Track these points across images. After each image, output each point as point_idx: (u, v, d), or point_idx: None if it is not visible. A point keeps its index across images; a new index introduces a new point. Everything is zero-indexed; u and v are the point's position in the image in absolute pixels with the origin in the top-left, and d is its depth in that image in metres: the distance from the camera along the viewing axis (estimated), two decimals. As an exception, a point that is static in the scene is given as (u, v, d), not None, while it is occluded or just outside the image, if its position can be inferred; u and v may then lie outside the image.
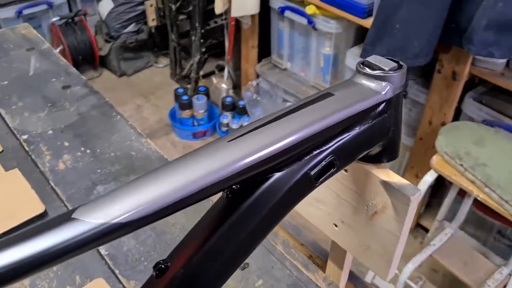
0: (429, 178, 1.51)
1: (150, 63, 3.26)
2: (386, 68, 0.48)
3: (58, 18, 2.96)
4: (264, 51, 2.45)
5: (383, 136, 0.51)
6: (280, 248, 0.78)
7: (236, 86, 2.71)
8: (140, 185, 0.37)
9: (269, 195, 0.45)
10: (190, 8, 2.63)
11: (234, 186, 0.44)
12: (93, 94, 1.13)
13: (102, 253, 0.77)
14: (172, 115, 2.66)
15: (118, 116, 1.06)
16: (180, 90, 2.60)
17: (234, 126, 2.54)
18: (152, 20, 2.99)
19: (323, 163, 0.46)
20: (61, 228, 0.34)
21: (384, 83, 0.47)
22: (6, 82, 1.17)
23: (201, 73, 2.82)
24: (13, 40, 1.35)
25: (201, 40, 2.66)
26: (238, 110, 2.55)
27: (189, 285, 0.42)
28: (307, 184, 0.46)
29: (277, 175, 0.44)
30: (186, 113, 2.55)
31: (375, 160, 0.55)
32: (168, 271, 0.43)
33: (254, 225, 0.44)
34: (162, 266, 0.43)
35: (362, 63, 0.49)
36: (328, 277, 0.74)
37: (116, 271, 0.74)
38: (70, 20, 2.96)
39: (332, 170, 0.47)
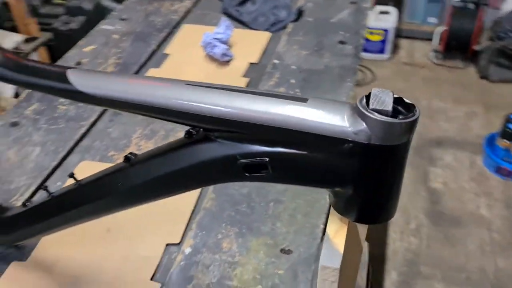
0: None
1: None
2: (378, 107, 0.39)
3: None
4: None
5: (339, 182, 0.43)
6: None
7: None
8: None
9: (196, 154, 0.48)
10: None
11: (192, 130, 0.49)
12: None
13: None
14: (490, 138, 2.36)
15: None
16: (517, 118, 2.24)
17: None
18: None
19: (257, 159, 0.44)
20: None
21: (359, 121, 0.39)
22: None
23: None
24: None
25: None
26: None
27: (136, 175, 0.53)
28: (233, 168, 0.46)
29: (210, 142, 0.46)
30: (503, 143, 2.22)
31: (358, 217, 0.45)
32: (130, 161, 0.54)
33: (174, 170, 0.49)
34: (130, 156, 0.54)
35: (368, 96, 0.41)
36: None
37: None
38: (470, 5, 2.88)
39: (263, 172, 0.45)
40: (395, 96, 0.41)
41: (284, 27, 1.38)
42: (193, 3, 1.53)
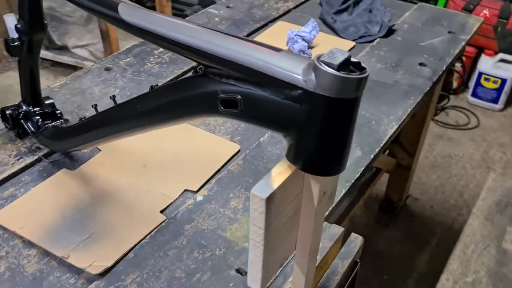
0: None
1: None
2: (328, 60, 0.43)
3: None
4: None
5: (286, 127, 0.48)
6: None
7: None
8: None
9: (192, 85, 0.57)
10: None
11: (197, 69, 0.58)
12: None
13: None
14: None
15: None
16: None
17: None
18: None
19: (231, 95, 0.51)
20: None
21: (307, 68, 0.44)
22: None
23: None
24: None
25: None
26: None
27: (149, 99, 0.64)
28: (214, 101, 0.53)
29: (204, 77, 0.55)
30: None
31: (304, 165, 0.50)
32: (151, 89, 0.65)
33: (175, 99, 0.58)
34: (153, 85, 0.65)
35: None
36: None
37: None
38: None
39: (235, 109, 0.51)
40: (354, 60, 0.45)
41: (371, 41, 1.40)
42: (296, 5, 1.63)
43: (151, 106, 0.65)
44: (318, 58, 0.44)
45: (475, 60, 2.70)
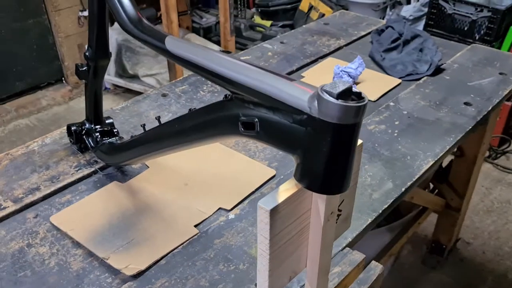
0: None
1: None
2: (330, 89, 0.49)
3: None
4: None
5: (292, 148, 0.53)
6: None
7: None
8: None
9: (220, 108, 0.64)
10: None
11: (227, 95, 0.65)
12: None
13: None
14: None
15: None
16: None
17: None
18: None
19: (250, 118, 0.58)
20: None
21: (312, 97, 0.50)
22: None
23: None
24: None
25: None
26: None
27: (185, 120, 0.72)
28: (236, 123, 0.60)
29: (231, 101, 0.62)
30: None
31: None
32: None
33: (205, 120, 0.66)
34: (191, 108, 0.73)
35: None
36: None
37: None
38: None
39: (253, 131, 0.58)
40: (355, 90, 0.50)
41: (418, 79, 1.42)
42: (347, 42, 1.69)
43: (187, 125, 0.73)
44: (322, 87, 0.49)
45: (540, 104, 2.60)
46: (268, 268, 0.57)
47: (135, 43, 3.20)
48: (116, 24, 3.06)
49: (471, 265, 1.95)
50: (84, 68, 1.01)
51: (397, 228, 1.62)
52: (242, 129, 0.59)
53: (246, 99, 0.60)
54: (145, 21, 0.78)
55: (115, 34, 2.95)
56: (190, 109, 0.75)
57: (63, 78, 3.21)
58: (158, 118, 0.84)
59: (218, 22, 3.40)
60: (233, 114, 0.61)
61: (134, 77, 3.11)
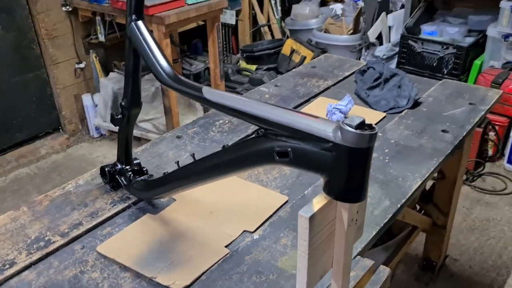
0: None
1: None
2: (349, 122, 0.66)
3: None
4: None
5: (322, 169, 0.70)
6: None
7: None
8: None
9: (255, 143, 0.80)
10: None
11: (259, 131, 0.82)
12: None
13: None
14: None
15: None
16: None
17: None
18: None
19: (284, 148, 0.75)
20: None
21: (335, 129, 0.67)
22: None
23: None
24: None
25: None
26: None
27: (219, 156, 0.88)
28: (271, 154, 0.76)
29: (264, 137, 0.78)
30: None
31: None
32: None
33: (237, 155, 0.82)
34: (224, 145, 0.89)
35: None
36: None
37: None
38: None
39: (286, 158, 0.74)
40: (368, 122, 0.67)
41: (400, 112, 1.62)
42: (334, 82, 1.89)
43: (223, 159, 0.89)
44: (343, 121, 0.67)
45: (508, 129, 2.85)
46: (307, 267, 0.73)
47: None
48: (111, 73, 3.24)
49: (460, 279, 2.11)
50: (119, 116, 1.17)
51: (391, 247, 1.78)
52: (277, 158, 0.76)
53: (278, 133, 0.76)
54: (179, 75, 0.95)
55: (111, 83, 3.12)
56: (223, 146, 0.91)
57: (60, 127, 3.34)
58: (193, 155, 1.00)
59: (206, 68, 3.61)
60: (268, 146, 0.77)
61: (129, 123, 3.25)
